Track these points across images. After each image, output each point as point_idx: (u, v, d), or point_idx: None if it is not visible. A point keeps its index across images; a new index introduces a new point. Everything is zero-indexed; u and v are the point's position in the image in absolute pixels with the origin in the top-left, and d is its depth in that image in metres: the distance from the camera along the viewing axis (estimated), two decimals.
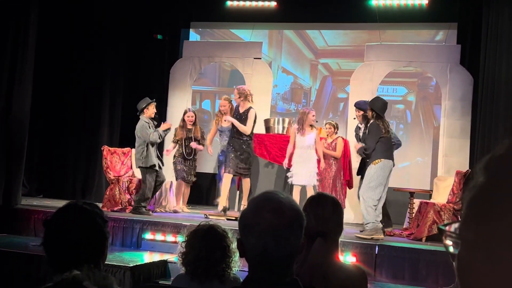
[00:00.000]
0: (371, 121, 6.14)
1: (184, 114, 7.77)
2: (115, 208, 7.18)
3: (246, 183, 7.17)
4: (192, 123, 7.68)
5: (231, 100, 7.53)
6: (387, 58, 8.67)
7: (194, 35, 10.21)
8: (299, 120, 6.76)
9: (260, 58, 9.28)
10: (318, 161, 6.77)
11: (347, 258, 5.33)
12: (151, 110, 7.18)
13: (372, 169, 5.95)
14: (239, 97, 7.06)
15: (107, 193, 7.41)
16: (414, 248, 5.64)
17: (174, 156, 7.76)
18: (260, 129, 7.71)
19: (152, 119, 7.21)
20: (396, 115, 9.17)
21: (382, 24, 8.83)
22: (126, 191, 7.44)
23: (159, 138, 7.09)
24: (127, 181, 7.49)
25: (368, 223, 5.88)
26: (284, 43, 10.00)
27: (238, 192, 7.89)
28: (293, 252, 1.45)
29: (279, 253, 1.42)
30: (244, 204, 6.88)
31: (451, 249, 0.60)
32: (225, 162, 7.10)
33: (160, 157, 7.28)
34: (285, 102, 9.85)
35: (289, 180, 6.76)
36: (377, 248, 5.53)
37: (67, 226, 1.80)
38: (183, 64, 9.58)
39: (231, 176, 7.03)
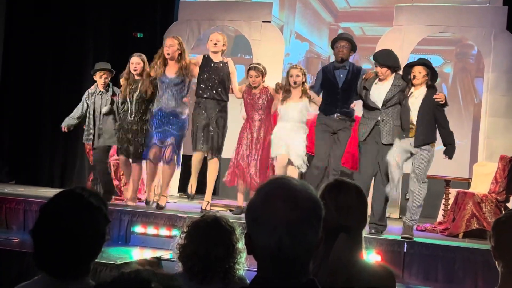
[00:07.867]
0: (428, 90, 5.87)
1: None
2: None
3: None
4: None
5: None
6: (420, 22, 8.59)
7: None
8: None
9: (270, 22, 9.21)
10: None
11: (371, 257, 5.33)
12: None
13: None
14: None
15: (90, 179, 7.42)
16: (449, 245, 5.63)
17: None
18: None
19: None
20: None
21: None
22: (114, 177, 7.45)
23: None
24: (113, 165, 7.49)
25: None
26: (299, 4, 9.92)
27: None
28: (311, 248, 1.44)
29: (294, 251, 1.41)
30: None
31: None
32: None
33: None
34: None
35: None
36: (405, 245, 5.53)
37: (66, 217, 1.78)
38: (178, 28, 9.52)
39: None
